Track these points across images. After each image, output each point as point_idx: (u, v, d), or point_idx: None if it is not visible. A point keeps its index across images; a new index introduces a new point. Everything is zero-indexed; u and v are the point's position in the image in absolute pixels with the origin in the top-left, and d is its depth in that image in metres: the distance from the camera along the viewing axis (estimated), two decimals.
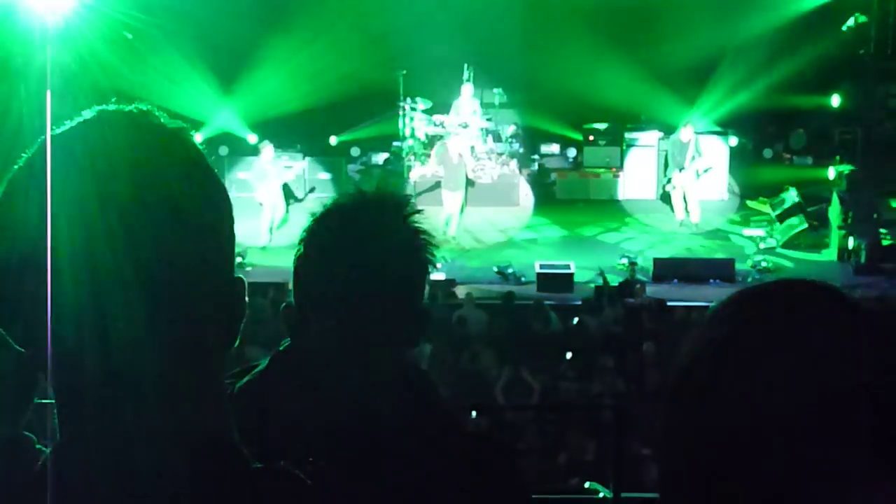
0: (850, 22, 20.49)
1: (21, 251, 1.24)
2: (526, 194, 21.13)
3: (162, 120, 1.34)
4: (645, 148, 21.57)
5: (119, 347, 1.25)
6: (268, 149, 19.59)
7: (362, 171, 22.08)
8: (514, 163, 21.38)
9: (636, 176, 21.47)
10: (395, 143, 21.50)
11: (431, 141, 20.86)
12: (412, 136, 21.15)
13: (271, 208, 19.10)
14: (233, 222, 1.37)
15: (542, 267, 17.27)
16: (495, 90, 22.09)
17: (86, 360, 1.25)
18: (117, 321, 1.24)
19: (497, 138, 21.48)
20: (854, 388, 1.11)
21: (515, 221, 20.13)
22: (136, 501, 1.25)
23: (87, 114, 1.32)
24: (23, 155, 1.30)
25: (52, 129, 1.31)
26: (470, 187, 19.33)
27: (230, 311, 1.35)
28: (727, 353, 1.19)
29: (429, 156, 20.64)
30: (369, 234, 2.15)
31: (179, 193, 1.28)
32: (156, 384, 1.28)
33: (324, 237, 2.18)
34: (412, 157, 21.11)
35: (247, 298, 1.37)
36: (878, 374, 1.12)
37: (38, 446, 1.36)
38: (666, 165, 20.45)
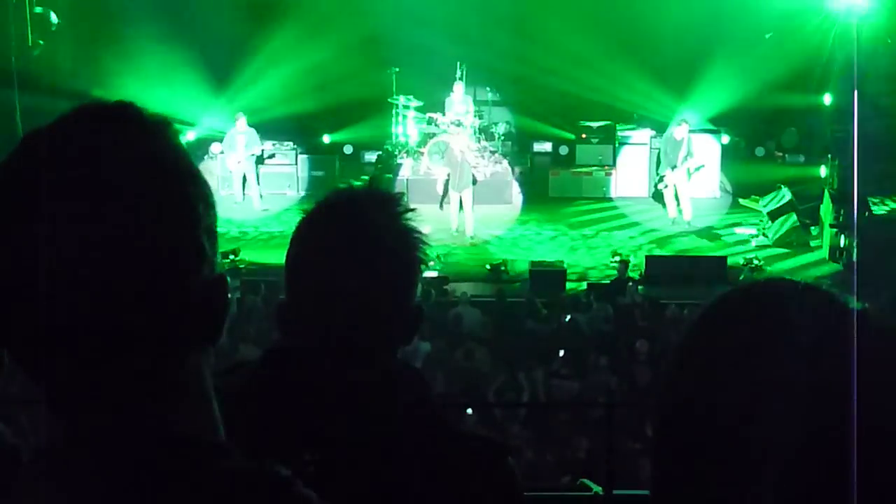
0: (844, 20, 20.51)
1: (7, 251, 1.24)
2: (518, 192, 21.13)
3: (143, 114, 1.32)
4: (637, 146, 21.57)
5: (105, 346, 1.25)
6: (241, 120, 20.32)
7: (355, 168, 22.07)
8: (506, 161, 21.37)
9: (628, 174, 21.46)
10: (387, 142, 21.50)
11: (424, 139, 20.85)
12: (405, 134, 21.15)
13: (240, 177, 20.22)
14: (216, 218, 1.36)
15: (534, 265, 17.28)
16: (488, 88, 22.08)
17: (74, 359, 1.25)
18: (106, 319, 1.24)
19: (490, 136, 21.47)
20: (844, 386, 1.12)
21: (508, 219, 20.13)
22: (117, 502, 1.25)
23: (69, 110, 1.31)
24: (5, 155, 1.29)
25: (36, 127, 1.30)
26: (474, 185, 19.18)
27: (213, 309, 1.34)
28: (717, 352, 1.19)
29: (422, 154, 20.63)
30: (361, 231, 2.15)
31: (161, 188, 1.27)
32: (138, 382, 1.28)
33: (315, 234, 2.18)
34: (405, 155, 21.10)
35: (230, 296, 1.36)
36: (869, 373, 1.13)
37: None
38: (658, 163, 20.47)
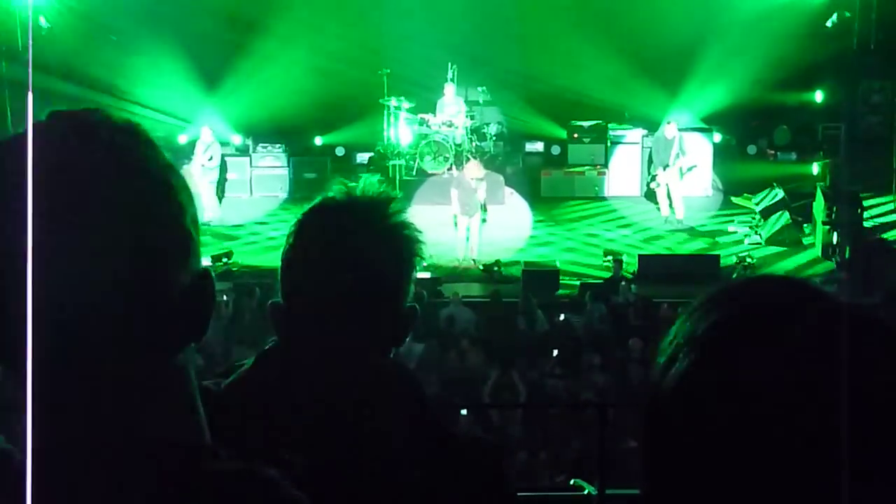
0: (834, 18, 20.57)
1: None
2: (511, 192, 21.13)
3: (112, 118, 1.32)
4: (629, 145, 21.62)
5: (89, 349, 1.24)
6: (204, 130, 20.39)
7: (347, 170, 22.07)
8: (498, 161, 21.37)
9: (621, 173, 21.50)
10: (379, 143, 21.50)
11: (416, 140, 20.85)
12: (396, 135, 21.16)
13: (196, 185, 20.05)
14: (195, 216, 1.35)
15: (527, 265, 17.27)
16: (479, 88, 22.08)
17: (56, 364, 1.24)
18: (90, 322, 1.23)
19: (481, 137, 21.48)
20: (833, 385, 1.12)
21: (500, 220, 20.12)
22: None
23: (39, 118, 1.30)
24: None
25: (11, 133, 1.30)
26: (483, 213, 18.51)
27: (198, 303, 1.33)
28: (707, 347, 1.19)
29: (414, 156, 20.64)
30: (356, 232, 2.15)
31: (134, 190, 1.27)
32: (122, 384, 1.28)
33: (311, 234, 2.17)
34: (397, 157, 21.10)
35: (224, 297, 1.35)
36: (858, 372, 1.13)
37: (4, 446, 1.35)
38: (650, 162, 20.50)
